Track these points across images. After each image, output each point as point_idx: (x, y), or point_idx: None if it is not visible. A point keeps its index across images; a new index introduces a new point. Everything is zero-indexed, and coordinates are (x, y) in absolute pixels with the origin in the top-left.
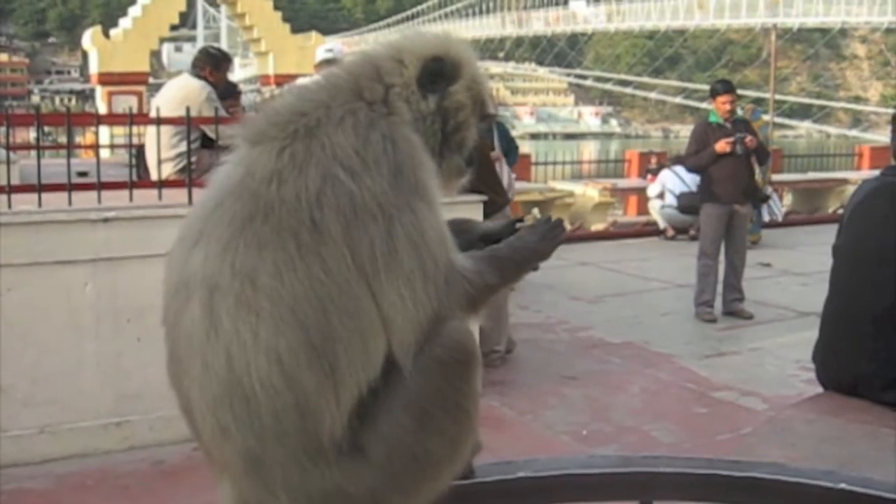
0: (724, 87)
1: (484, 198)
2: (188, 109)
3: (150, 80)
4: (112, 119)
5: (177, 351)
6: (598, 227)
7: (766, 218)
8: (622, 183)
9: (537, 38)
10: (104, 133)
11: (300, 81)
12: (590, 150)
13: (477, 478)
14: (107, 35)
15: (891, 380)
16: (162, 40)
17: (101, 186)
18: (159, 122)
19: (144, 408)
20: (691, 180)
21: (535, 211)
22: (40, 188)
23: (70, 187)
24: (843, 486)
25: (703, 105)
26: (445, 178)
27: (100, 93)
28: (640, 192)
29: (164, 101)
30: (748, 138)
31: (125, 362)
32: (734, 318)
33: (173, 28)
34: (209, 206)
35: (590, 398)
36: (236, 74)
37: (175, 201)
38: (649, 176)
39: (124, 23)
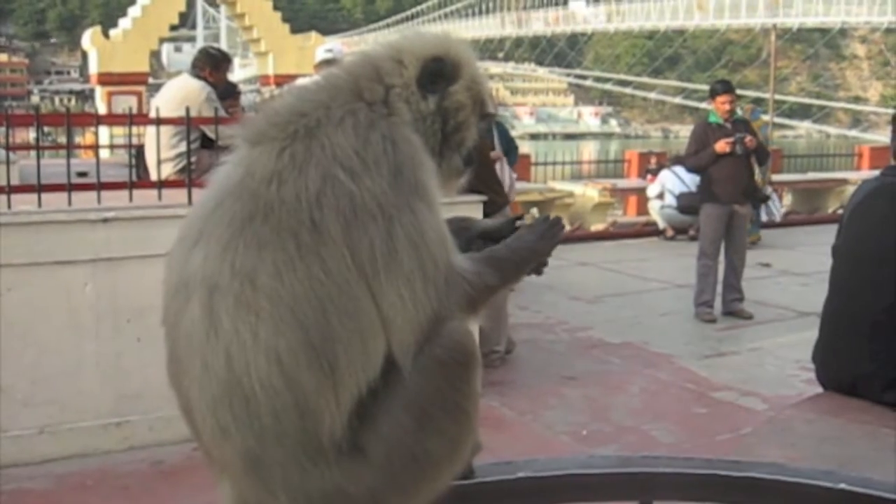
0: (723, 88)
1: (484, 198)
2: (188, 110)
3: (150, 80)
4: (112, 119)
5: (177, 351)
6: (597, 227)
7: (765, 218)
8: (622, 183)
9: (537, 38)
10: (104, 133)
11: (300, 82)
12: (589, 150)
13: (477, 478)
14: (106, 35)
15: (890, 380)
16: (161, 40)
17: (101, 187)
18: (159, 122)
19: (144, 408)
20: (691, 180)
21: (534, 210)
22: (40, 188)
23: (70, 187)
24: (842, 486)
25: (703, 105)
26: (445, 178)
27: (99, 93)
28: (640, 193)
29: (164, 102)
30: (748, 138)
31: (125, 362)
32: (734, 319)
33: (173, 28)
34: (209, 207)
35: (589, 398)
36: (236, 74)
37: (175, 201)
38: (649, 176)
39: (124, 23)
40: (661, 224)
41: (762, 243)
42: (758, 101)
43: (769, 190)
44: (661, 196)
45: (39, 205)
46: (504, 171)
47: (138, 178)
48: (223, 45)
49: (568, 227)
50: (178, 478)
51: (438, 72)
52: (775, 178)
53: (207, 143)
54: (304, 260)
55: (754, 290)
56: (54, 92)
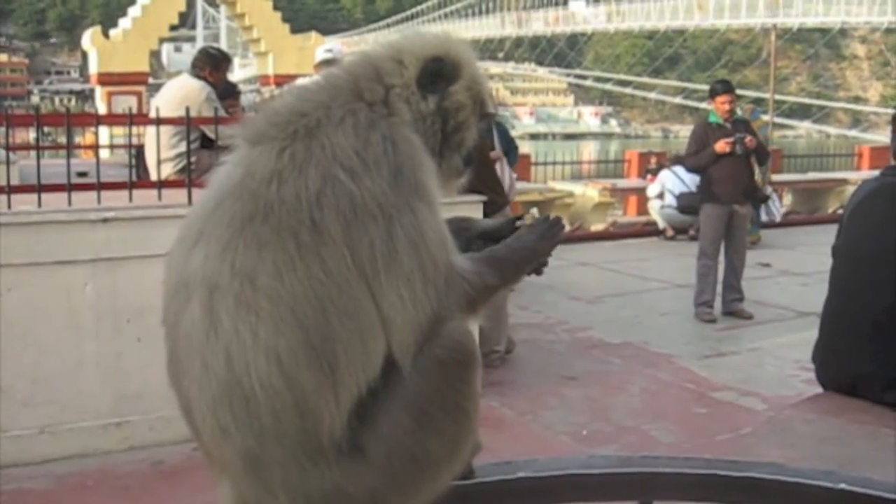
0: (723, 88)
1: (483, 198)
2: (188, 110)
3: (150, 80)
4: (112, 119)
5: (176, 351)
6: (597, 227)
7: (764, 218)
8: (622, 183)
9: (537, 38)
10: (104, 133)
11: (300, 82)
12: (589, 150)
13: (477, 478)
14: (106, 35)
15: (890, 380)
16: (161, 40)
17: (101, 187)
18: (159, 122)
19: (144, 408)
20: (691, 180)
21: (534, 210)
22: (40, 188)
23: (70, 187)
24: (842, 486)
25: (703, 105)
26: (445, 178)
27: (99, 93)
28: (640, 193)
29: (164, 102)
30: (748, 138)
31: (125, 362)
32: (734, 319)
33: (173, 28)
34: (209, 207)
35: (589, 398)
36: (236, 74)
37: (175, 201)
38: (649, 176)
39: (124, 23)
40: (661, 224)
41: (762, 243)
42: (758, 101)
43: (769, 190)
44: (661, 196)
45: (39, 205)
46: (504, 171)
47: (138, 178)
48: (223, 45)
49: (568, 227)
50: (178, 478)
51: (438, 72)
52: (775, 178)
53: (207, 143)
54: (304, 260)
55: (754, 290)
56: (54, 92)
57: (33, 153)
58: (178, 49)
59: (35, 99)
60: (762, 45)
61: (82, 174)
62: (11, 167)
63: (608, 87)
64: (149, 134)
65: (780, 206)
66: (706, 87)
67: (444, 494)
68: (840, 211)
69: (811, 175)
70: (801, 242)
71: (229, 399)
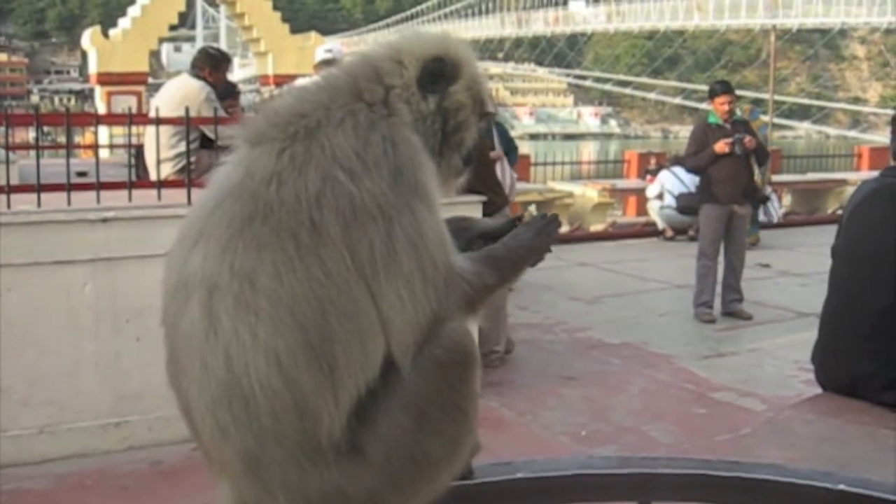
0: (722, 88)
1: (483, 198)
2: (187, 109)
3: (150, 80)
4: (111, 119)
5: (176, 351)
6: (597, 227)
7: (762, 218)
8: (621, 183)
9: (537, 38)
10: (103, 133)
11: (299, 82)
12: (589, 150)
13: (476, 478)
14: (106, 35)
15: (890, 380)
16: (161, 40)
17: (101, 186)
18: (158, 122)
19: (143, 408)
20: (690, 181)
21: (532, 208)
22: (39, 188)
23: (69, 187)
24: (841, 486)
25: (702, 106)
26: (445, 178)
27: (99, 93)
28: (640, 193)
29: (164, 102)
30: (747, 139)
31: (124, 362)
32: (733, 319)
33: (172, 28)
34: (208, 207)
35: (589, 399)
36: (235, 74)
37: (174, 201)
38: (648, 176)
39: (123, 23)
40: (661, 224)
41: (761, 244)
42: (757, 102)
43: (769, 190)
44: (660, 196)
45: (39, 204)
46: (504, 171)
47: (138, 177)
48: (223, 45)
49: (567, 228)
50: (178, 478)
51: (438, 72)
52: (775, 178)
53: (207, 143)
54: (303, 261)
55: (753, 290)
56: (54, 91)
57: (33, 153)
58: (177, 49)
59: (35, 98)
60: (762, 45)
61: (82, 174)
62: (11, 167)
63: (608, 87)
64: (148, 134)
65: (779, 206)
66: (706, 88)
67: (443, 495)
68: (839, 211)
69: (811, 176)
70: (800, 243)
71: (229, 399)
